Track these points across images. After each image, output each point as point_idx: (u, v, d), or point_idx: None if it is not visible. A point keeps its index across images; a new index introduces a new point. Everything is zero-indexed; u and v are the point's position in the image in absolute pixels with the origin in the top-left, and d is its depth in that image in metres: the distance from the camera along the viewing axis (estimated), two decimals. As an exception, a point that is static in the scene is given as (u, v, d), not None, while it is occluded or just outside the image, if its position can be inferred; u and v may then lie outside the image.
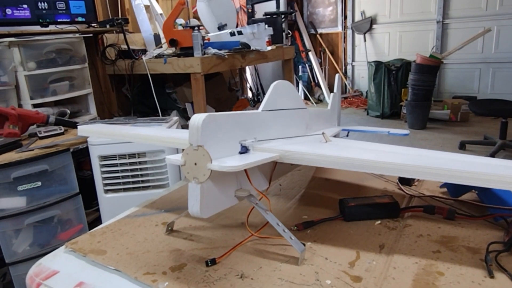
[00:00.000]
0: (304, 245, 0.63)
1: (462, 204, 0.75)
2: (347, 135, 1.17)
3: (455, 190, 0.80)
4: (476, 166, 0.60)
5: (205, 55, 2.67)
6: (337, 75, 1.20)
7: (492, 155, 3.18)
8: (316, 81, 5.98)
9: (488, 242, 0.60)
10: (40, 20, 2.35)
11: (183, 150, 0.55)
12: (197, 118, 0.53)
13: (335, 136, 1.05)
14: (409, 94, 4.21)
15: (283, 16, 3.71)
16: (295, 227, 0.71)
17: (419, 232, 0.67)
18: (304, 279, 0.56)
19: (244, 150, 0.64)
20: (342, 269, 0.58)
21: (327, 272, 0.58)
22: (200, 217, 0.55)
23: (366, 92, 5.46)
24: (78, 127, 0.88)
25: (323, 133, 0.80)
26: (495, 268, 0.56)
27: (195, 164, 0.53)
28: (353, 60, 5.91)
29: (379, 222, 0.71)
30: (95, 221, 2.38)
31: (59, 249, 0.68)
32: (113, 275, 0.60)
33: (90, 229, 1.85)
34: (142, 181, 1.69)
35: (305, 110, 0.91)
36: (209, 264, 0.60)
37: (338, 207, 0.77)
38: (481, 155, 3.29)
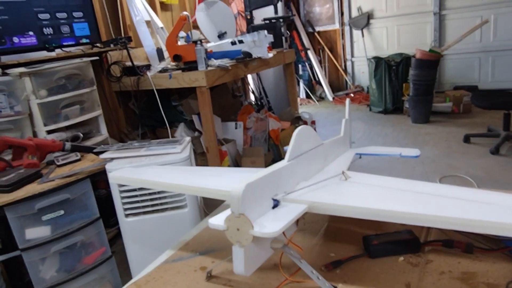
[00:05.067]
0: (336, 287, 0.68)
1: (477, 235, 0.81)
2: (359, 157, 1.23)
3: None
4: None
5: (209, 68, 2.71)
6: (347, 99, 1.25)
7: (497, 147, 3.23)
8: (317, 79, 6.01)
9: (505, 278, 0.66)
10: (46, 45, 2.40)
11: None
12: (237, 189, 0.58)
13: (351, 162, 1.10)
14: (410, 89, 4.25)
15: (282, 20, 3.74)
16: (325, 268, 0.76)
17: (441, 268, 0.72)
18: (340, 324, 0.62)
19: (276, 203, 0.69)
20: (374, 311, 0.64)
21: (360, 315, 0.63)
22: (245, 276, 0.61)
23: (367, 87, 5.50)
24: (110, 175, 0.93)
25: (343, 172, 0.85)
26: (515, 306, 0.61)
27: (238, 229, 0.59)
28: (352, 56, 5.94)
29: (402, 258, 0.77)
30: (114, 239, 2.44)
31: (109, 301, 0.74)
32: (164, 327, 0.65)
33: (111, 249, 1.90)
34: (161, 204, 1.74)
35: (323, 145, 0.96)
36: (251, 312, 0.66)
37: (361, 243, 0.83)
38: (486, 147, 3.34)
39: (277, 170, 0.70)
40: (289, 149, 0.77)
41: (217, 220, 0.61)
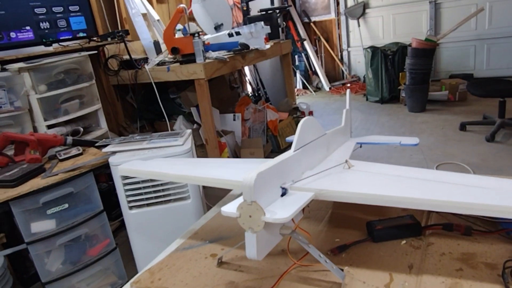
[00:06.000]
0: (342, 270, 0.72)
1: (475, 218, 0.84)
2: (360, 147, 1.26)
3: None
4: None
5: (207, 60, 2.72)
6: (347, 90, 1.27)
7: (492, 134, 3.27)
8: (313, 70, 6.02)
9: (503, 258, 0.69)
10: (44, 40, 2.39)
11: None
12: (248, 177, 0.61)
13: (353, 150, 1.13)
14: (407, 78, 4.27)
15: (278, 11, 3.74)
16: (331, 252, 0.80)
17: (441, 250, 0.76)
18: (348, 304, 0.65)
19: (284, 191, 0.72)
20: (379, 291, 0.67)
21: (366, 296, 0.66)
22: (257, 260, 0.64)
23: (364, 77, 5.51)
24: (119, 167, 0.95)
25: (346, 161, 0.88)
26: (512, 283, 0.65)
27: (250, 216, 0.61)
28: (348, 46, 5.94)
29: (404, 242, 0.80)
30: (116, 231, 2.47)
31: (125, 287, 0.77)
32: (179, 311, 0.69)
33: (115, 241, 1.92)
34: (164, 196, 1.77)
35: (325, 135, 0.99)
36: (262, 295, 0.69)
37: (365, 228, 0.86)
38: (481, 135, 3.39)
39: (284, 160, 0.73)
40: (294, 139, 0.80)
41: (230, 208, 0.64)
